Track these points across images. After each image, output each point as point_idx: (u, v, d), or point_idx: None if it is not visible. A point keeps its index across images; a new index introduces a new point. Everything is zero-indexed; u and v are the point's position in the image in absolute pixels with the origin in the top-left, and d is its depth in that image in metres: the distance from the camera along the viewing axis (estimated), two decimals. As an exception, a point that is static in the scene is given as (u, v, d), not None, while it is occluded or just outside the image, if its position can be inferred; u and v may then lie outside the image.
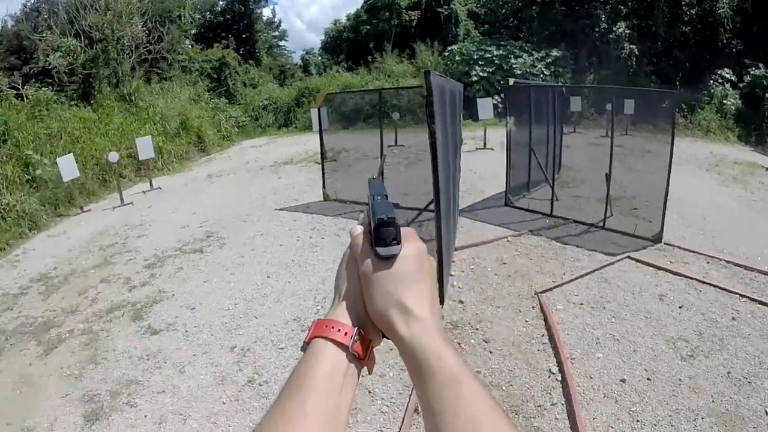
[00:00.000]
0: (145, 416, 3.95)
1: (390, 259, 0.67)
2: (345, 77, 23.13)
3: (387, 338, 0.69)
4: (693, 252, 6.36)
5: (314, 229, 7.90)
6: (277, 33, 31.14)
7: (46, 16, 17.22)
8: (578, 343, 4.44)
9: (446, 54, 21.50)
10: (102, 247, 7.95)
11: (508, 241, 6.92)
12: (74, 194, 10.57)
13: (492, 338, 4.55)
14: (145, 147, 11.71)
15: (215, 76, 22.03)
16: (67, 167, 9.93)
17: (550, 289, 5.48)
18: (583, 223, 7.48)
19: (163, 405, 4.06)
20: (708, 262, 6.16)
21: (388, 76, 22.19)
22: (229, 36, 25.40)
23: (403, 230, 0.69)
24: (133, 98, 16.12)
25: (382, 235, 0.67)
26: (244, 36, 26.53)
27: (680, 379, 3.91)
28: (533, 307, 5.07)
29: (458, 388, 0.58)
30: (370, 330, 0.68)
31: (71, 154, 10.50)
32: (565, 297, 5.29)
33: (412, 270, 0.68)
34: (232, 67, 22.55)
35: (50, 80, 16.04)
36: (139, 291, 6.25)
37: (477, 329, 4.76)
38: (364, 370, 0.68)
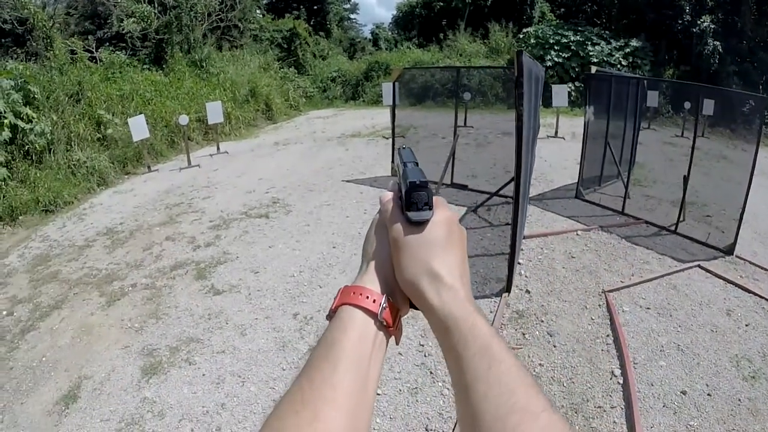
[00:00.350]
0: (203, 375, 3.83)
1: (421, 224, 0.66)
2: (416, 53, 22.65)
3: (415, 308, 0.67)
4: (765, 269, 5.93)
5: None
6: (348, 5, 31.05)
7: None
8: (642, 347, 4.28)
9: (521, 36, 20.53)
10: (168, 206, 7.99)
11: (577, 234, 6.67)
12: (143, 154, 10.75)
13: (557, 332, 4.42)
14: (214, 112, 11.80)
15: (285, 46, 22.10)
16: (138, 127, 10.11)
17: (618, 290, 5.31)
18: (654, 225, 7.12)
19: (222, 365, 3.93)
20: None
21: (460, 55, 21.47)
22: (301, 7, 25.46)
23: (434, 198, 0.68)
24: (204, 64, 16.36)
25: (413, 198, 0.66)
26: (315, 7, 26.52)
27: (740, 400, 3.71)
28: (600, 305, 4.90)
29: (491, 358, 0.56)
30: (398, 298, 0.67)
31: (142, 115, 10.64)
32: (632, 299, 5.08)
33: (443, 237, 0.66)
34: (303, 37, 22.52)
35: (123, 44, 16.56)
36: (204, 251, 6.18)
37: (542, 321, 4.62)
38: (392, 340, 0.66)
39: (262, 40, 21.43)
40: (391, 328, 0.64)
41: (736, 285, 5.44)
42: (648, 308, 4.88)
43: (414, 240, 0.65)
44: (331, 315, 0.65)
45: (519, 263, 5.69)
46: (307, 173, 9.68)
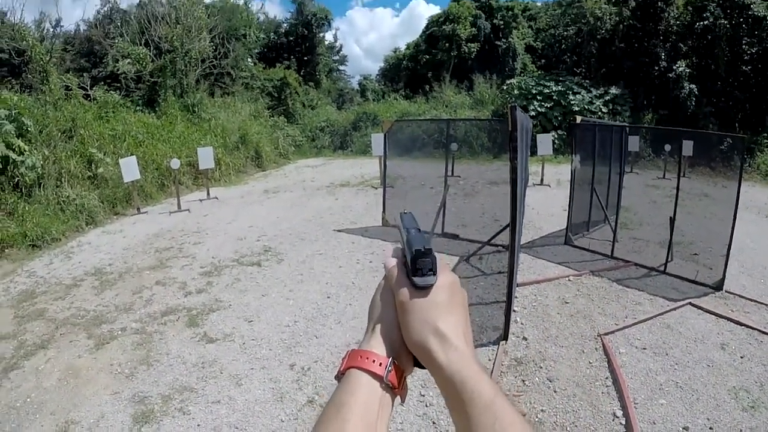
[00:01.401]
0: (198, 425, 3.74)
1: (426, 288, 0.70)
2: (403, 105, 23.37)
3: (420, 368, 0.71)
4: (754, 301, 6.11)
5: (374, 254, 7.70)
6: (337, 57, 31.98)
7: (118, 24, 18.06)
8: (642, 387, 4.33)
9: (504, 87, 21.36)
10: (158, 250, 7.94)
11: (569, 280, 6.79)
12: (133, 195, 10.76)
13: (556, 377, 4.44)
14: (205, 157, 11.91)
15: (276, 94, 22.60)
16: (129, 168, 10.17)
17: (613, 332, 5.39)
18: (644, 267, 7.27)
19: (218, 416, 3.84)
20: None
21: (446, 106, 22.25)
22: (291, 57, 26.16)
23: (438, 262, 0.72)
24: (196, 109, 16.68)
25: (419, 265, 0.70)
26: (305, 58, 27.28)
27: (741, 430, 3.78)
28: (596, 348, 4.97)
29: (495, 414, 0.60)
30: (403, 359, 0.71)
31: (134, 156, 10.71)
32: (627, 340, 5.18)
33: (447, 299, 0.71)
34: (293, 87, 23.07)
35: (117, 84, 16.79)
36: (195, 297, 6.12)
37: (541, 367, 4.66)
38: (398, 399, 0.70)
39: (253, 88, 21.87)
40: (396, 389, 0.68)
41: (728, 319, 5.56)
42: (644, 348, 4.96)
43: (420, 303, 0.69)
44: (339, 377, 0.69)
45: (514, 310, 5.73)
46: (297, 222, 9.70)
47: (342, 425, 0.61)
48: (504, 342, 5.07)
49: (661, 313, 5.79)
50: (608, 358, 4.75)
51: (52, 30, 20.47)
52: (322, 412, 0.64)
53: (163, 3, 19.39)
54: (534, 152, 14.20)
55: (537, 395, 4.17)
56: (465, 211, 9.57)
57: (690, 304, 6.01)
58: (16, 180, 8.95)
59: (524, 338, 5.17)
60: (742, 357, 4.77)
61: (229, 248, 7.98)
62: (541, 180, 13.19)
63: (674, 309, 5.91)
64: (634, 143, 13.81)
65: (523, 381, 4.41)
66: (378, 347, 0.70)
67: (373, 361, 0.68)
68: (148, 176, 11.81)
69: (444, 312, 0.69)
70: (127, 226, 9.50)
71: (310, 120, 22.55)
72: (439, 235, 8.50)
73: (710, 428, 3.77)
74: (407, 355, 0.71)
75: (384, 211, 9.48)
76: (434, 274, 0.71)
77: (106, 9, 21.66)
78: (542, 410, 3.98)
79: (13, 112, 9.65)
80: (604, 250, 7.82)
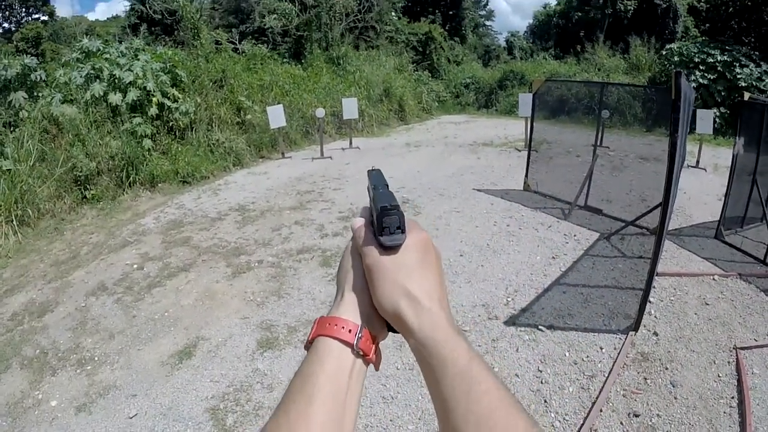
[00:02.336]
0: None
1: (394, 248, 0.66)
2: (552, 65, 21.90)
3: (393, 332, 0.68)
4: None
5: (512, 218, 7.38)
6: (484, 12, 30.89)
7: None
8: (766, 417, 3.76)
9: (663, 53, 18.92)
10: (299, 192, 8.18)
11: (714, 279, 6.04)
12: (278, 141, 11.31)
13: (680, 383, 4.01)
14: (350, 107, 12.11)
15: (420, 49, 22.33)
16: (276, 116, 10.68)
17: (750, 348, 4.69)
18: None
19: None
20: None
21: (598, 69, 20.32)
22: (436, 11, 25.67)
23: (407, 220, 0.68)
24: (341, 62, 16.96)
25: (385, 223, 0.66)
26: (450, 12, 26.61)
27: None
28: (729, 362, 4.39)
29: (471, 381, 0.57)
30: (375, 324, 0.67)
31: (281, 105, 11.20)
32: (764, 361, 4.46)
33: (418, 259, 0.67)
34: (438, 42, 22.65)
35: (264, 39, 17.54)
36: (331, 240, 6.17)
37: (667, 368, 4.22)
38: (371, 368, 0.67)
39: (397, 42, 21.80)
40: (368, 356, 0.64)
41: None
42: None
43: (389, 264, 0.65)
44: (308, 346, 0.64)
45: (650, 301, 5.27)
46: (437, 177, 9.52)
47: (309, 397, 0.58)
48: (633, 333, 4.69)
49: None
50: (739, 376, 4.23)
51: (200, -11, 21.89)
52: (289, 384, 0.60)
53: None
54: (692, 129, 12.57)
55: (656, 398, 3.85)
56: (611, 186, 8.79)
57: None
58: (170, 124, 9.75)
59: (655, 333, 4.73)
60: None
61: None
62: (697, 162, 11.56)
63: None
64: None
65: (645, 379, 4.07)
66: (347, 313, 0.66)
67: (343, 327, 0.64)
68: (294, 124, 12.30)
69: (415, 273, 0.65)
70: (271, 169, 9.95)
71: (454, 76, 21.94)
72: (581, 207, 7.96)
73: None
74: (379, 320, 0.67)
75: (526, 176, 9.01)
76: (402, 232, 0.66)
77: (252, -34, 22.74)
78: (658, 415, 3.69)
79: (168, 64, 10.44)
80: (757, 253, 6.81)
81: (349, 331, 0.63)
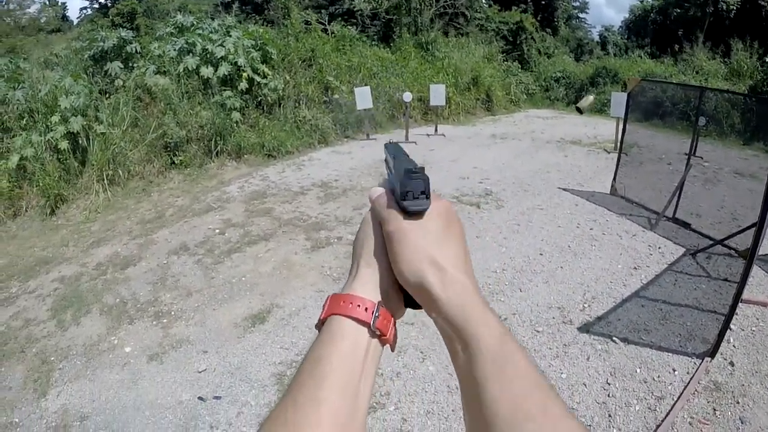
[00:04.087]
0: None
1: (419, 214, 0.62)
2: (648, 64, 20.58)
3: (414, 307, 0.63)
4: None
5: (596, 221, 7.13)
6: (578, 3, 29.87)
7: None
8: None
9: (767, 59, 17.44)
10: (382, 174, 8.02)
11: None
12: (364, 122, 11.41)
13: (749, 421, 3.70)
14: (437, 94, 11.99)
15: (510, 39, 21.84)
16: (363, 97, 10.75)
17: None
18: None
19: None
20: None
21: (696, 72, 18.87)
22: (529, 1, 24.87)
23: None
24: (429, 47, 16.80)
25: (409, 187, 0.62)
26: (543, 2, 26.01)
27: None
28: None
29: (504, 359, 0.53)
30: (393, 302, 0.62)
31: (368, 87, 11.25)
32: None
33: (443, 227, 0.63)
34: (529, 32, 22.04)
35: (354, 21, 17.69)
36: None
37: (738, 402, 3.89)
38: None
39: (487, 30, 21.44)
40: (385, 336, 0.59)
41: None
42: None
43: (413, 230, 0.60)
44: (320, 326, 0.61)
45: (730, 329, 4.91)
46: (522, 171, 9.30)
47: (319, 381, 0.53)
48: (709, 360, 4.35)
49: None
50: None
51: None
52: (299, 367, 0.56)
53: None
54: None
55: (721, 429, 3.58)
56: (702, 199, 8.25)
57: None
58: (259, 99, 10.04)
59: (731, 363, 4.37)
60: None
61: (451, 185, 7.95)
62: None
63: None
64: None
65: (714, 410, 3.75)
66: (364, 289, 0.60)
67: (359, 305, 0.58)
68: (380, 106, 12.37)
69: (441, 240, 0.60)
70: (355, 149, 10.07)
71: (544, 68, 21.21)
72: (668, 219, 7.51)
73: None
74: (397, 296, 0.62)
75: (614, 180, 8.60)
76: (427, 197, 0.61)
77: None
78: None
79: (258, 42, 10.71)
80: None
81: (366, 309, 0.59)
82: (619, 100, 10.65)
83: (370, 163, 8.82)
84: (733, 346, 4.69)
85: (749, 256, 4.23)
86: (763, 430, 3.68)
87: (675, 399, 3.77)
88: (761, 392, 4.12)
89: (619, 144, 9.08)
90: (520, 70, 20.44)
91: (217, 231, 5.65)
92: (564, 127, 14.97)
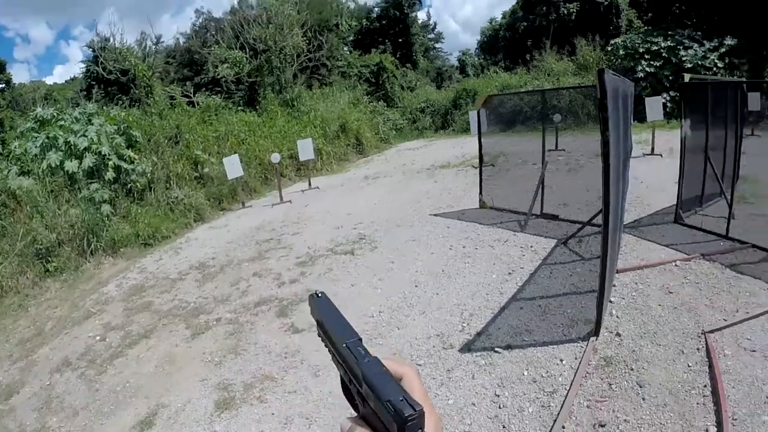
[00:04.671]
0: (273, 414, 3.89)
1: None
2: (503, 78, 22.52)
3: None
4: None
5: (468, 238, 7.52)
6: (432, 35, 31.87)
7: (213, 33, 19.19)
8: (744, 400, 3.66)
9: (608, 48, 19.75)
10: (258, 242, 8.35)
11: (676, 265, 6.00)
12: (237, 191, 11.50)
13: (648, 382, 3.95)
14: (305, 149, 12.29)
15: (373, 80, 22.86)
16: (232, 166, 10.87)
17: (720, 330, 4.61)
18: (763, 249, 6.21)
19: (292, 405, 3.97)
20: None
21: (548, 75, 21.05)
22: (386, 41, 26.50)
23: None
24: (295, 103, 17.33)
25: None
26: (400, 40, 27.44)
27: None
28: (698, 348, 4.35)
29: None
30: None
31: (236, 154, 11.43)
32: (735, 340, 4.42)
33: None
34: (390, 71, 23.17)
35: (218, 89, 17.91)
36: (288, 288, 6.33)
37: (632, 369, 4.13)
38: None
39: (350, 76, 22.33)
40: None
41: None
42: (753, 351, 4.24)
43: None
44: None
45: (610, 302, 5.25)
46: (394, 207, 9.71)
47: None
48: (594, 338, 4.61)
49: None
50: (710, 362, 4.14)
51: (153, 47, 22.24)
52: None
53: (253, 6, 20.57)
54: (643, 118, 13.07)
55: (623, 402, 3.77)
56: (568, 188, 9.00)
57: None
58: (128, 186, 9.87)
59: (617, 334, 4.67)
60: None
61: (325, 237, 8.17)
62: (652, 149, 11.98)
63: None
64: (754, 101, 11.74)
65: (610, 384, 3.98)
66: None
67: None
68: (252, 171, 12.53)
69: None
70: (232, 221, 10.10)
71: (409, 102, 22.49)
72: (537, 216, 8.13)
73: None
74: None
75: (480, 193, 9.21)
76: None
77: (201, 20, 23.47)
78: (626, 420, 3.61)
79: (122, 126, 10.64)
80: (719, 230, 6.88)
81: None
82: (474, 118, 11.12)
83: (246, 233, 8.92)
84: (617, 317, 4.95)
85: (602, 234, 4.40)
86: (663, 386, 3.87)
87: (567, 388, 3.86)
88: (653, 351, 4.36)
89: (479, 159, 9.54)
90: (386, 108, 21.46)
91: (98, 338, 5.55)
92: (434, 154, 15.81)
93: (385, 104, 21.61)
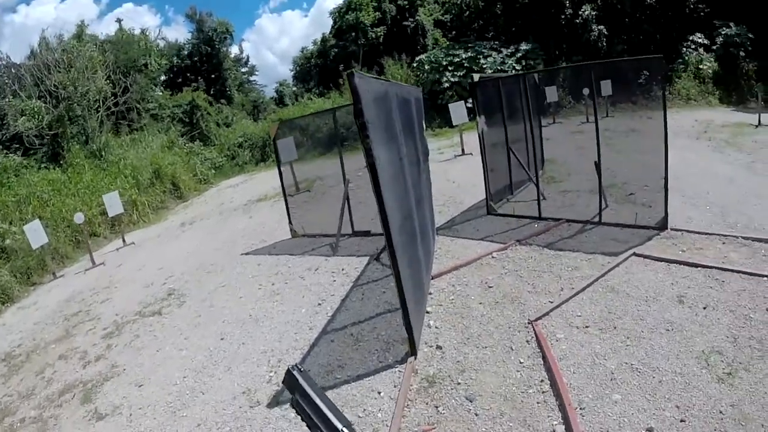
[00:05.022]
0: None
1: None
2: (317, 103, 22.93)
3: None
4: (705, 234, 5.49)
5: (278, 273, 7.38)
6: (246, 69, 31.24)
7: (9, 81, 17.04)
8: (588, 383, 3.50)
9: (414, 65, 21.26)
10: (66, 317, 7.68)
11: (492, 257, 5.94)
12: (46, 260, 10.27)
13: (478, 393, 3.66)
14: (113, 203, 11.33)
15: (187, 119, 21.85)
16: (35, 234, 9.67)
17: (547, 314, 4.45)
18: (576, 222, 6.54)
19: None
20: (724, 243, 5.35)
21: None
22: (198, 78, 25.45)
23: None
24: (103, 153, 15.96)
25: None
26: (213, 76, 26.56)
27: (721, 411, 3.02)
28: (528, 341, 4.19)
29: None
30: None
31: (37, 220, 10.19)
32: (566, 320, 4.30)
33: None
34: (204, 108, 22.35)
35: (18, 145, 15.75)
36: (93, 367, 5.93)
37: (459, 383, 3.80)
38: None
39: (162, 117, 21.11)
40: None
41: (681, 263, 4.83)
42: (587, 327, 4.14)
43: None
44: None
45: (428, 312, 4.97)
46: (207, 252, 9.39)
47: None
48: (413, 358, 4.17)
49: (603, 275, 4.95)
50: (542, 352, 3.91)
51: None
52: None
53: (54, 49, 18.33)
54: (451, 123, 14.06)
55: (454, 424, 3.40)
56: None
57: (634, 254, 5.26)
58: None
59: (438, 347, 4.34)
60: (704, 307, 4.13)
61: (135, 300, 7.71)
62: (462, 150, 12.99)
63: (617, 265, 5.11)
64: (552, 93, 13.44)
65: (437, 407, 3.59)
66: None
67: None
68: (60, 236, 11.33)
69: None
70: (42, 296, 9.11)
71: (226, 138, 21.84)
72: (350, 236, 8.09)
73: (682, 420, 3.02)
74: None
75: (290, 222, 9.15)
76: None
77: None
78: None
79: None
80: (532, 212, 7.07)
81: None
82: (281, 146, 10.97)
83: (55, 309, 8.14)
84: (436, 327, 4.63)
85: (388, 248, 4.01)
86: (497, 393, 3.59)
87: (389, 424, 3.45)
88: (479, 355, 4.04)
89: (282, 188, 9.45)
90: (202, 147, 20.62)
91: None
92: (252, 189, 15.52)
93: (201, 143, 20.80)
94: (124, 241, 11.47)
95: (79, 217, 10.48)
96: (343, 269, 6.78)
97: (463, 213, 8.08)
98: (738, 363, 3.41)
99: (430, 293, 5.36)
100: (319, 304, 5.88)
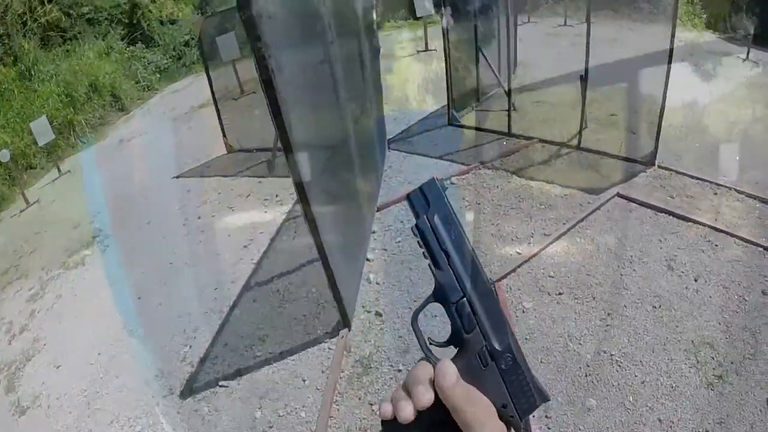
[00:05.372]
0: None
1: None
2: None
3: None
4: (696, 179, 4.65)
5: (206, 202, 6.19)
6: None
7: None
8: (559, 379, 2.85)
9: None
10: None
11: (452, 183, 4.92)
12: None
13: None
14: (43, 129, 9.75)
15: (127, 20, 18.91)
16: None
17: (514, 270, 3.62)
18: (551, 143, 5.41)
19: None
20: (716, 193, 4.56)
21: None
22: (135, -29, 22.09)
23: None
24: (32, 73, 13.81)
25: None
26: (151, -33, 23.01)
27: (707, 430, 2.46)
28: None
29: None
30: None
31: None
32: (535, 281, 3.55)
33: None
34: (144, 5, 19.39)
35: None
36: (17, 342, 4.92)
37: (399, 370, 3.06)
38: None
39: (99, 21, 18.39)
40: None
41: (669, 213, 4.12)
42: (560, 294, 3.42)
43: None
44: None
45: (368, 260, 4.07)
46: (139, 178, 8.04)
47: None
48: (345, 330, 3.35)
49: (582, 219, 4.12)
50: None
51: None
52: None
53: None
54: (414, 15, 11.82)
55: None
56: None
57: (618, 194, 4.41)
58: None
59: (378, 314, 3.49)
60: (696, 279, 3.49)
61: (62, 246, 6.50)
62: (426, 45, 11.17)
63: (598, 208, 4.27)
64: None
65: (371, 405, 2.88)
66: None
67: None
68: None
69: None
70: None
71: (171, 38, 18.94)
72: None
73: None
74: None
75: (224, 135, 7.79)
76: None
77: None
78: None
79: None
80: (501, 126, 5.78)
81: None
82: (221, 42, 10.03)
83: None
84: (377, 283, 3.76)
85: (295, 183, 2.96)
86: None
87: (314, 428, 2.79)
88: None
89: (212, 95, 8.16)
90: (145, 50, 17.96)
91: None
92: (197, 94, 13.22)
93: (144, 46, 18.10)
94: (59, 170, 10.10)
95: (4, 155, 9.06)
96: (276, 195, 5.76)
97: (420, 121, 6.80)
98: (729, 363, 2.88)
99: (374, 231, 4.39)
100: (245, 247, 4.94)
